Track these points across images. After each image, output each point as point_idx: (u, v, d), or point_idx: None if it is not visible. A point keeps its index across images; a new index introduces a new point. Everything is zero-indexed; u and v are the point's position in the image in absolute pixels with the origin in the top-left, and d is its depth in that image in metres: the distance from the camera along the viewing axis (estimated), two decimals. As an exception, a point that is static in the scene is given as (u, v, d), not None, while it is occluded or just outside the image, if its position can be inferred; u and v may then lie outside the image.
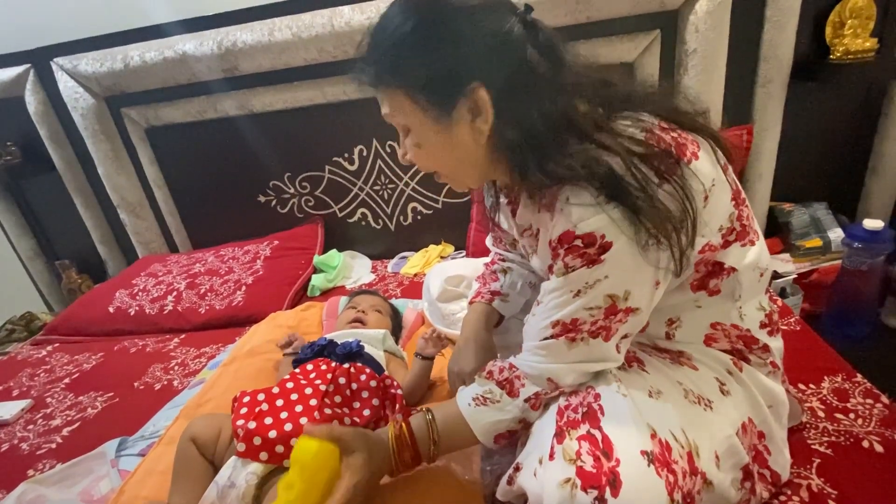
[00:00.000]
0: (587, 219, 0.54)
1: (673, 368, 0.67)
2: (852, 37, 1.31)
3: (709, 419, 0.62)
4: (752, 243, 0.64)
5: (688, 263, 0.57)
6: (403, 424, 0.68)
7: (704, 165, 0.58)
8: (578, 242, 0.55)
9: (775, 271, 1.35)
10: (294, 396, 0.79)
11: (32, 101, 1.67)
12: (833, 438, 0.78)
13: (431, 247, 1.70)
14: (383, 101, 0.62)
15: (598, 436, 0.55)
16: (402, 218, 1.72)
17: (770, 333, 0.69)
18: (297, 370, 0.87)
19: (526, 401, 0.64)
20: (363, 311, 1.11)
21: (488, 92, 0.57)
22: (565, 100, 0.57)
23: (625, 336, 0.61)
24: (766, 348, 0.68)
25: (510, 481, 0.63)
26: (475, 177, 0.67)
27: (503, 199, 0.78)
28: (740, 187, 0.65)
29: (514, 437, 0.68)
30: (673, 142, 0.57)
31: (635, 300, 0.57)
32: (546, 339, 0.61)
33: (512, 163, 0.60)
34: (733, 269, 0.63)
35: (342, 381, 0.83)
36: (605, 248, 0.54)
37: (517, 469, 0.62)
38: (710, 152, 0.60)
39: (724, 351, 0.68)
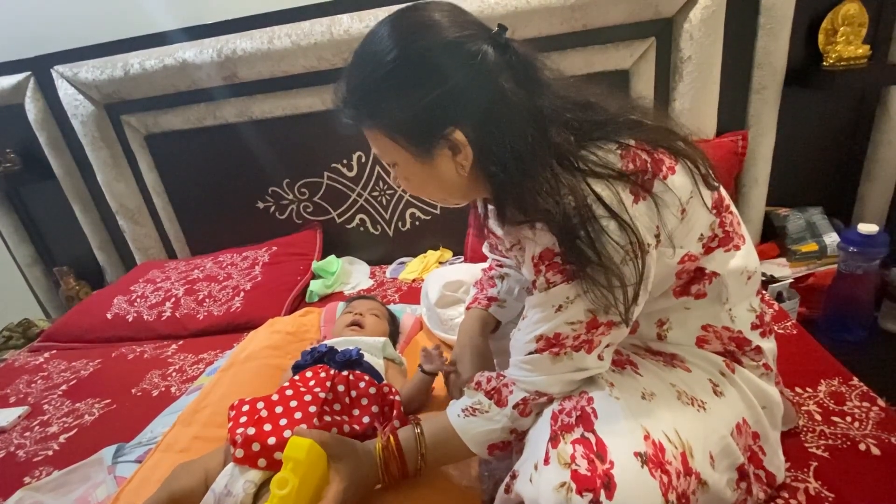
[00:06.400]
0: None
1: (666, 370, 0.67)
2: (845, 44, 1.33)
3: (703, 420, 0.62)
4: (737, 248, 0.65)
5: (634, 315, 0.59)
6: (391, 437, 0.69)
7: (680, 179, 0.59)
8: (558, 259, 0.57)
9: (772, 275, 1.36)
10: (293, 404, 0.78)
11: (32, 108, 1.68)
12: (830, 442, 0.79)
13: (430, 252, 1.70)
14: (368, 138, 0.64)
15: (592, 439, 0.55)
16: (400, 224, 1.73)
17: (762, 335, 0.69)
18: (297, 377, 0.87)
19: (514, 407, 0.65)
20: (360, 315, 1.10)
21: (466, 132, 0.57)
22: (537, 131, 0.56)
23: (608, 345, 0.62)
24: (758, 350, 0.69)
25: (507, 489, 0.63)
26: (462, 199, 0.70)
27: (492, 208, 0.79)
28: (724, 195, 0.65)
29: (508, 448, 0.68)
30: (649, 157, 0.58)
31: (615, 314, 0.58)
32: (531, 353, 0.62)
33: (491, 192, 0.61)
34: (715, 274, 0.64)
35: (341, 388, 0.83)
36: None
37: (513, 476, 0.62)
38: (688, 166, 0.61)
39: (717, 353, 0.69)
